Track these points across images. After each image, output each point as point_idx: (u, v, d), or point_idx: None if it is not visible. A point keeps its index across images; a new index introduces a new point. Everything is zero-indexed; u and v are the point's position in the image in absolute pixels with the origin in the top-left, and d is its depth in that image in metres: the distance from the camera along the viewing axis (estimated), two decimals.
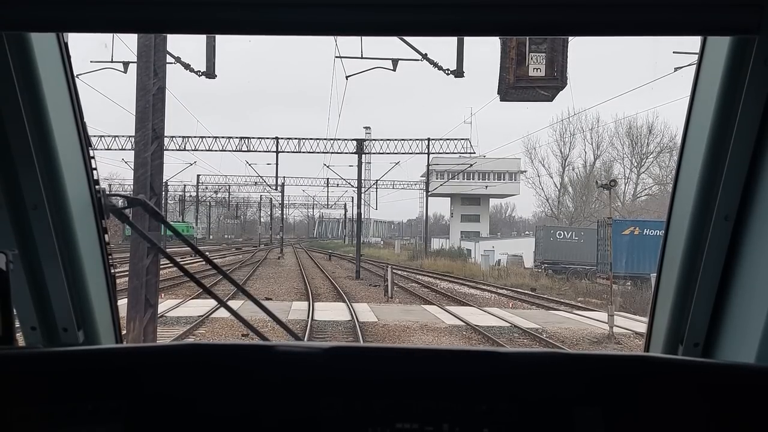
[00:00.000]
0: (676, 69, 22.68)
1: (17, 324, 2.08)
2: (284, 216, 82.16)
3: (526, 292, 30.54)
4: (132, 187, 11.88)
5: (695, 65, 2.00)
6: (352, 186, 50.03)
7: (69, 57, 2.06)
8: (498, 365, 1.91)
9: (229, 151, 47.27)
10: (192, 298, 21.29)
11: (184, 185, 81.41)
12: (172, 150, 45.33)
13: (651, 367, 1.88)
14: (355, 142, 42.92)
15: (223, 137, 46.85)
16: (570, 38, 6.61)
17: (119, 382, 1.84)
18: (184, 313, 18.37)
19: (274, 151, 47.49)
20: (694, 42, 1.99)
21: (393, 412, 1.83)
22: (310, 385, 1.86)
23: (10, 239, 1.99)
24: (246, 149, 47.25)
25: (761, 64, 1.74)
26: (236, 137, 46.91)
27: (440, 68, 19.63)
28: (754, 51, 1.73)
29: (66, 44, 2.05)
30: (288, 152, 47.24)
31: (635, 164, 60.38)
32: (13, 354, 1.87)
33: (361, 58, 23.60)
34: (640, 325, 18.44)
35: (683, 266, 2.02)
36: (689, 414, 1.77)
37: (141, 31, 2.70)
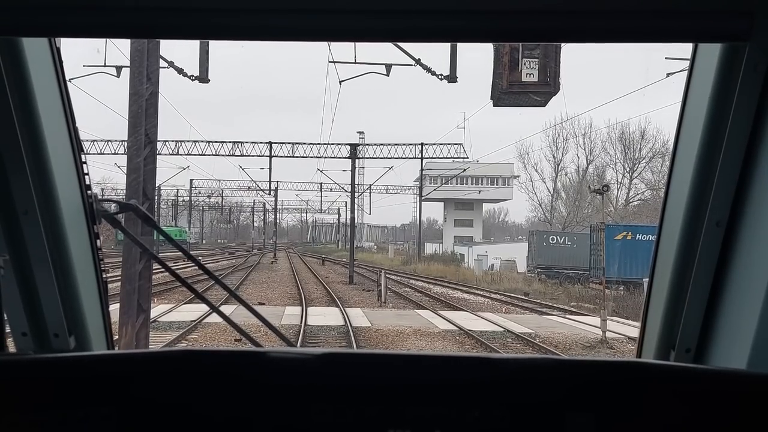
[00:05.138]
0: (668, 75, 22.86)
1: (8, 330, 2.06)
2: (277, 220, 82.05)
3: (519, 296, 30.58)
4: (125, 191, 11.84)
5: (687, 71, 2.02)
6: (346, 190, 50.05)
7: (61, 61, 2.05)
8: (491, 371, 1.91)
9: (222, 155, 47.29)
10: (184, 303, 21.21)
11: (177, 190, 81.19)
12: (165, 154, 45.25)
13: (643, 373, 1.88)
14: (348, 147, 42.96)
15: (216, 141, 46.88)
16: (563, 44, 6.65)
17: (110, 388, 1.83)
18: (176, 318, 18.30)
19: (267, 156, 47.52)
20: (685, 48, 2.00)
21: (385, 418, 1.83)
22: (302, 391, 1.85)
23: (0, 244, 1.98)
24: (239, 154, 47.26)
25: (752, 71, 1.75)
26: (229, 141, 46.94)
27: (433, 73, 19.68)
28: (745, 58, 1.74)
29: (58, 49, 2.05)
30: (281, 157, 47.29)
31: (628, 169, 60.61)
32: (3, 360, 1.86)
33: (355, 63, 23.62)
34: (632, 329, 18.50)
35: (675, 272, 2.02)
36: (681, 420, 1.78)
37: (133, 37, 2.69)
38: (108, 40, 16.97)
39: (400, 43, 18.21)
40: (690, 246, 1.97)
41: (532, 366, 1.93)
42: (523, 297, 30.48)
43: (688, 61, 2.01)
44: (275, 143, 46.93)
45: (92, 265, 2.23)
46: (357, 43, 22.41)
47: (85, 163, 2.20)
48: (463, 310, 23.88)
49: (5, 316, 2.03)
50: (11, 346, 2.08)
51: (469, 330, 18.11)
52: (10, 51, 1.84)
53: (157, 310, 18.58)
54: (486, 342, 16.60)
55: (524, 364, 1.96)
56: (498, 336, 17.90)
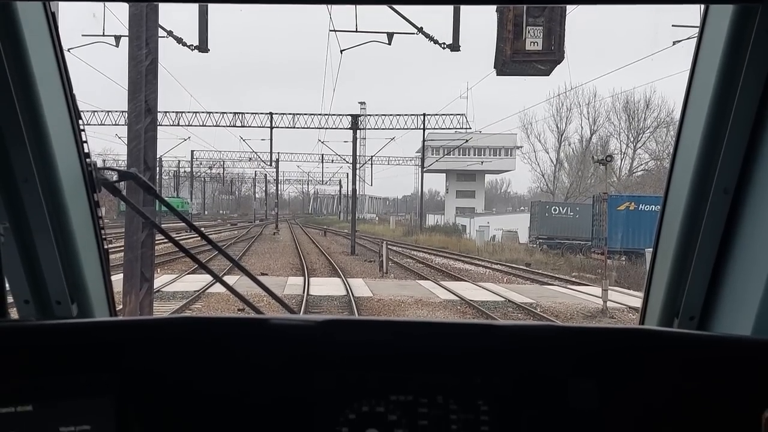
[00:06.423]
0: (674, 42, 22.53)
1: (10, 298, 2.07)
2: (279, 192, 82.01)
3: (520, 267, 30.68)
4: (126, 162, 11.80)
5: (696, 36, 1.98)
6: (347, 162, 49.92)
7: (57, 27, 2.02)
8: (493, 338, 1.90)
9: (223, 126, 47.11)
10: (188, 273, 21.32)
11: (179, 161, 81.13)
12: (166, 125, 45.09)
13: (646, 340, 1.88)
14: (350, 118, 42.72)
15: (216, 113, 46.65)
16: (568, 11, 6.52)
17: (113, 354, 1.83)
18: (180, 288, 18.40)
19: (268, 127, 47.30)
20: (693, 15, 1.96)
21: (387, 384, 1.83)
22: (304, 358, 1.86)
23: (1, 212, 1.97)
24: (240, 125, 47.04)
25: (764, 34, 1.71)
26: (230, 113, 46.66)
27: (436, 42, 19.41)
28: (757, 21, 1.70)
29: (53, 14, 2.01)
30: (282, 128, 47.08)
31: (632, 139, 60.27)
32: (6, 327, 1.86)
33: (356, 31, 23.28)
34: (634, 299, 18.59)
35: (680, 239, 2.01)
36: (684, 386, 1.78)
37: None
38: (105, 5, 16.75)
39: (401, 11, 17.95)
40: (696, 213, 1.95)
41: (534, 333, 1.92)
42: (525, 267, 30.57)
43: (696, 29, 1.97)
44: (276, 114, 46.68)
45: (93, 233, 2.22)
46: (358, 12, 22.11)
47: (83, 130, 2.17)
48: (465, 281, 23.98)
49: (7, 283, 2.03)
50: (14, 314, 2.09)
51: (471, 300, 18.21)
52: (3, 16, 1.81)
53: (160, 280, 18.69)
54: (487, 312, 16.70)
55: (527, 331, 1.95)
56: (499, 306, 18.00)
